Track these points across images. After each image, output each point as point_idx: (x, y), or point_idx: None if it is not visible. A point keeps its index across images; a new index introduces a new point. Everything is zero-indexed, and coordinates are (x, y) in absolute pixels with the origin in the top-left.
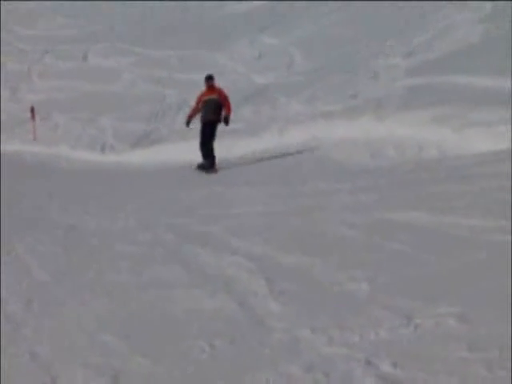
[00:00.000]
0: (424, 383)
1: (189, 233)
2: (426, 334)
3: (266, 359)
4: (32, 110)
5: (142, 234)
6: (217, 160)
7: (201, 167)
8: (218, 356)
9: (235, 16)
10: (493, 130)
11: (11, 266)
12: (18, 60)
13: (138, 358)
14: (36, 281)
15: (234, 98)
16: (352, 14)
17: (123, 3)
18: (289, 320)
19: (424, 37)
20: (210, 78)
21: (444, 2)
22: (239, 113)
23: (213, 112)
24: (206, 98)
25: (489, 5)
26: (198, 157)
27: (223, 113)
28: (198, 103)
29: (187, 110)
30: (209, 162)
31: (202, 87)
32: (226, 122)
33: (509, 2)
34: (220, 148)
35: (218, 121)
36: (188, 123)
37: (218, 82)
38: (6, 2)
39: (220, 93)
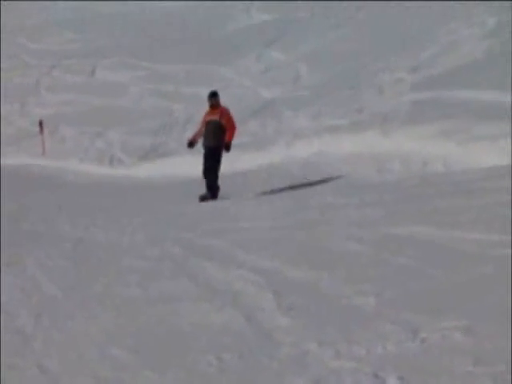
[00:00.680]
0: None
1: (196, 247)
2: (433, 347)
3: (273, 373)
4: (40, 124)
5: (149, 248)
6: (220, 192)
7: (203, 199)
8: (225, 369)
9: (242, 31)
10: (496, 144)
11: (20, 279)
12: (26, 74)
13: (147, 372)
14: (45, 294)
15: (241, 112)
16: (357, 29)
17: (130, 17)
18: (296, 334)
19: (429, 52)
20: (212, 96)
21: (449, 18)
22: (245, 127)
23: (213, 136)
24: (208, 119)
25: (492, 21)
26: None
27: (226, 137)
28: (201, 124)
29: (195, 125)
30: (211, 194)
31: (206, 102)
32: (227, 148)
33: None
34: (226, 162)
35: (220, 147)
36: (190, 145)
37: (223, 99)
38: (13, 16)
39: (222, 113)
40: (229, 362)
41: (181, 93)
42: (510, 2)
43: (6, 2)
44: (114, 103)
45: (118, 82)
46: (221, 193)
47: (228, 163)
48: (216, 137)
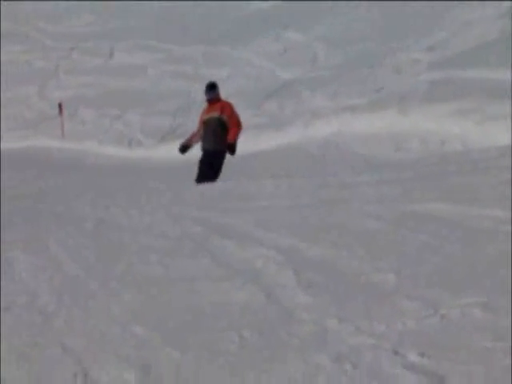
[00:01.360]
0: (450, 372)
1: (216, 226)
2: (452, 323)
3: (294, 349)
4: (60, 106)
5: (169, 228)
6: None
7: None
8: (247, 346)
9: (260, 12)
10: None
11: (42, 259)
12: (46, 57)
13: (168, 349)
14: (67, 274)
15: (259, 92)
16: (374, 11)
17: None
18: (316, 311)
19: (445, 32)
20: (210, 89)
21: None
22: (263, 108)
23: (213, 137)
24: (206, 117)
25: (507, 1)
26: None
27: (228, 137)
28: (199, 125)
29: None
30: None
31: (225, 83)
32: (231, 150)
33: None
34: (245, 142)
35: (223, 151)
36: (183, 150)
37: (242, 81)
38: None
39: (223, 108)
40: (250, 340)
41: (199, 74)
42: None
43: None
44: (132, 85)
45: (137, 63)
46: (240, 173)
47: (246, 144)
48: (217, 137)
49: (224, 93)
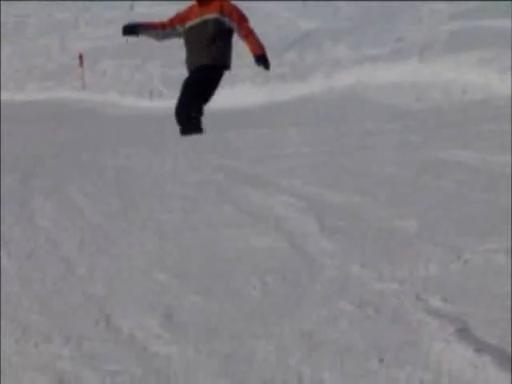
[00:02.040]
0: (473, 317)
1: (238, 173)
2: (475, 269)
3: (317, 295)
4: (80, 58)
5: (191, 175)
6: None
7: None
8: (269, 292)
9: None
10: None
11: (64, 207)
12: (65, 10)
13: (191, 295)
14: (89, 222)
15: (279, 43)
16: None
17: None
18: (339, 257)
19: None
20: None
21: None
22: (285, 58)
23: (206, 46)
24: (191, 23)
25: None
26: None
27: (248, 47)
28: (171, 22)
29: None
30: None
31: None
32: (265, 63)
33: None
34: (265, 93)
35: (222, 66)
36: (128, 31)
37: (264, 28)
38: None
39: (223, 7)
40: (272, 285)
41: None
42: None
43: None
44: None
45: (156, 15)
46: (262, 121)
47: (268, 94)
48: (210, 48)
49: None
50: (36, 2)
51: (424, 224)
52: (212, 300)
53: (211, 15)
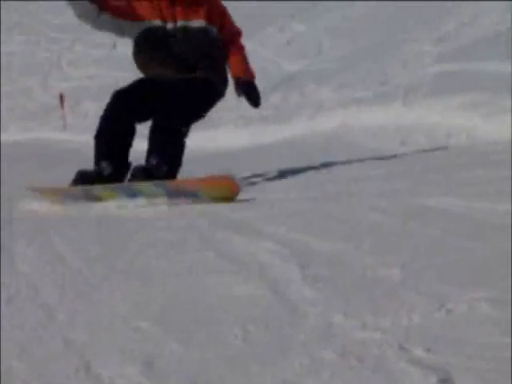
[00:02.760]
0: (456, 367)
1: (221, 219)
2: (459, 318)
3: (299, 344)
4: (61, 97)
5: (175, 220)
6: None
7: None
8: (251, 341)
9: (264, 3)
10: None
11: (45, 252)
12: (48, 49)
13: (172, 343)
14: (70, 267)
15: (263, 85)
16: (381, 1)
17: None
18: (322, 305)
19: (453, 24)
20: None
21: None
22: (268, 100)
23: (189, 60)
24: (178, 24)
25: None
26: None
27: (227, 66)
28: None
29: None
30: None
31: None
32: (249, 93)
33: None
34: (249, 135)
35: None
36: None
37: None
38: None
39: (211, 9)
40: (255, 334)
41: None
42: None
43: None
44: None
45: None
46: (245, 165)
47: (250, 137)
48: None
49: None
50: (19, 40)
51: (408, 272)
52: (193, 348)
53: (197, 21)
